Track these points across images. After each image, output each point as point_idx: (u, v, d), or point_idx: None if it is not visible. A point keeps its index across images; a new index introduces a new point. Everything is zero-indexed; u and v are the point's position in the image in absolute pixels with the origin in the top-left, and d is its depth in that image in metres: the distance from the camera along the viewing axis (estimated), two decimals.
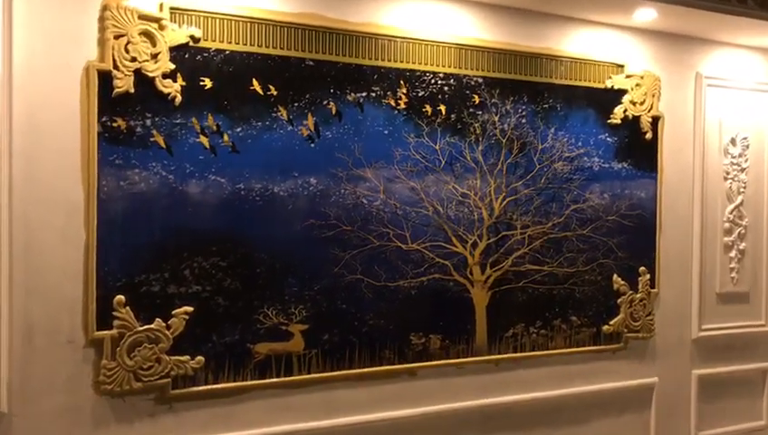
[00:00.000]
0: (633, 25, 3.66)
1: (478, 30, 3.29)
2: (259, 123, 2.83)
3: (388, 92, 3.09)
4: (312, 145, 2.94)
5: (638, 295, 3.72)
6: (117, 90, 2.57)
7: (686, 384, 3.93)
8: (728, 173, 4.02)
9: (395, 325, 3.13)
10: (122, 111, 2.59)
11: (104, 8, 2.55)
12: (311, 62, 2.93)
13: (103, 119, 2.56)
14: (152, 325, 2.65)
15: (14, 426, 2.46)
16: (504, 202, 3.36)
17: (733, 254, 4.04)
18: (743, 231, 4.06)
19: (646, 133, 3.72)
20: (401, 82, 3.11)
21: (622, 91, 3.65)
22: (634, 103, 3.67)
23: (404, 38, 3.11)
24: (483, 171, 3.31)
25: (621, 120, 3.65)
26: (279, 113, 2.86)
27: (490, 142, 3.32)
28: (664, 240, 3.81)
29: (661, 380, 3.82)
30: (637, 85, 3.68)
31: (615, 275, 3.66)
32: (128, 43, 2.59)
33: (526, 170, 3.41)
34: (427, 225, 3.19)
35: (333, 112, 2.98)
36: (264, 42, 2.84)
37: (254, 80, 2.82)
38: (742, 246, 4.06)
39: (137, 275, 2.63)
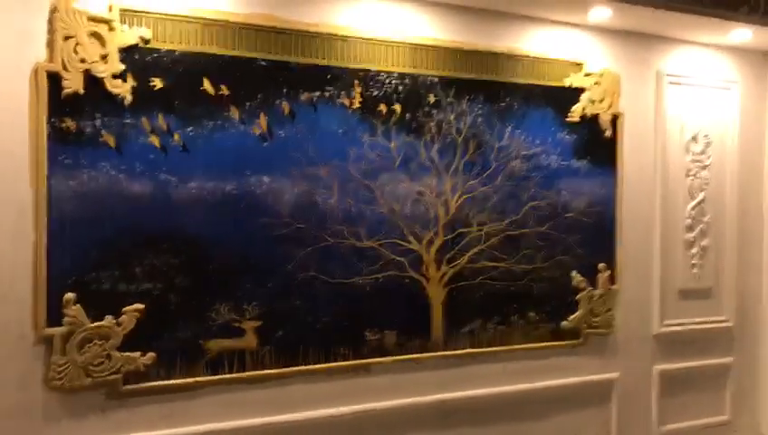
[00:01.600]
0: (592, 24, 3.69)
1: (433, 30, 3.32)
2: (210, 123, 2.87)
3: (342, 92, 3.13)
4: (265, 144, 2.98)
5: (598, 292, 3.76)
6: (66, 90, 2.61)
7: (648, 379, 3.97)
8: (689, 170, 4.06)
9: (349, 322, 3.17)
10: (72, 111, 2.63)
11: (53, 10, 2.60)
12: (263, 63, 2.97)
13: (52, 119, 2.60)
14: (103, 322, 2.69)
15: None
16: (461, 200, 3.40)
17: (694, 250, 4.08)
18: (704, 228, 4.10)
19: (605, 131, 3.75)
20: (355, 81, 3.15)
21: (581, 90, 3.68)
22: (593, 101, 3.71)
23: (357, 38, 3.15)
24: (438, 170, 3.34)
25: (580, 117, 3.68)
26: (230, 113, 2.90)
27: (446, 141, 3.35)
28: (624, 237, 3.84)
29: (622, 375, 3.86)
30: (596, 83, 3.71)
31: (574, 272, 3.70)
32: (77, 44, 2.63)
33: (483, 169, 3.45)
34: (382, 222, 3.23)
35: (286, 112, 3.02)
36: (216, 42, 2.88)
37: (204, 80, 2.85)
38: (704, 242, 4.10)
39: (87, 273, 2.67)
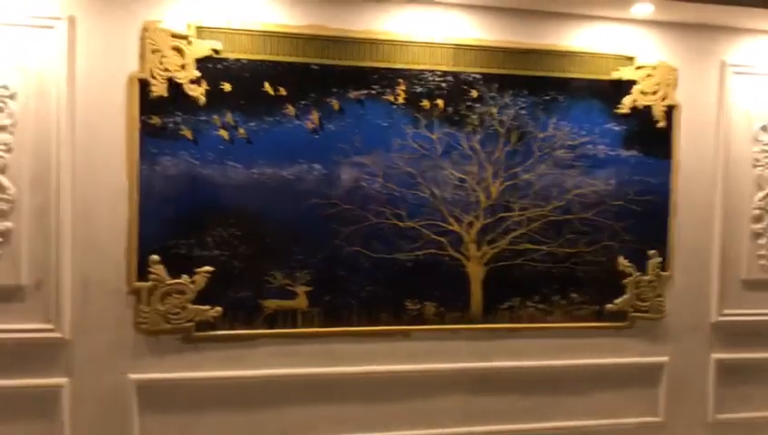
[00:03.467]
0: (647, 19, 3.81)
1: (477, 31, 3.63)
2: (270, 119, 3.42)
3: (387, 90, 3.54)
4: (317, 136, 3.48)
5: (647, 277, 3.88)
6: (153, 94, 3.26)
7: (704, 367, 4.01)
8: (758, 160, 4.01)
9: (391, 292, 3.59)
10: (158, 110, 3.29)
11: (144, 29, 3.26)
12: (315, 66, 3.46)
13: (143, 117, 3.27)
14: (180, 280, 3.33)
15: (76, 351, 3.27)
16: (502, 186, 3.69)
17: (763, 241, 4.04)
18: None
19: (658, 122, 3.85)
20: (399, 80, 3.55)
21: (631, 82, 3.81)
22: (645, 93, 3.82)
23: (402, 42, 3.54)
24: (480, 159, 3.66)
25: (630, 109, 3.81)
26: (287, 110, 3.43)
27: (488, 132, 3.66)
28: (678, 225, 3.92)
29: (673, 360, 3.95)
30: (648, 76, 3.83)
31: (621, 257, 3.85)
32: (162, 56, 3.27)
33: (525, 157, 3.71)
34: (424, 205, 3.61)
35: (336, 108, 3.49)
36: (275, 50, 3.41)
37: (265, 83, 3.40)
38: None
39: (168, 240, 3.33)
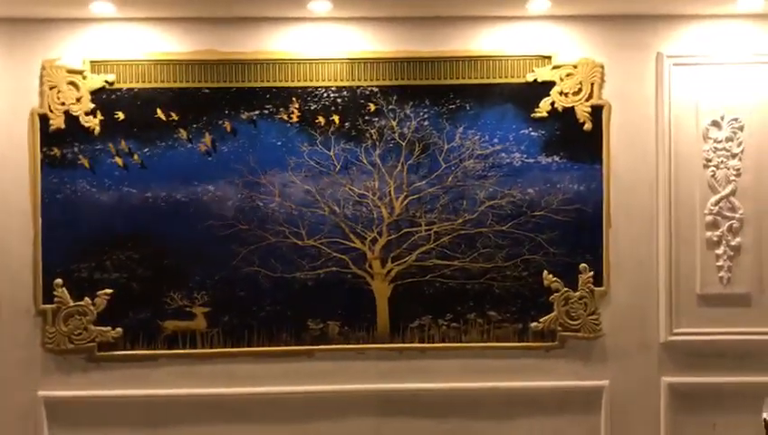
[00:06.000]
0: (566, 14, 3.54)
1: (372, 44, 3.55)
2: (163, 144, 3.53)
3: (281, 108, 3.54)
4: (210, 158, 3.54)
5: (577, 293, 3.57)
6: (52, 127, 3.47)
7: (653, 392, 3.60)
8: (710, 160, 3.59)
9: (292, 312, 3.56)
10: (57, 142, 3.49)
11: (43, 67, 3.48)
12: (206, 90, 3.53)
13: (44, 149, 3.49)
14: (81, 302, 3.50)
15: None
16: (406, 201, 3.56)
17: (720, 250, 3.59)
18: (735, 224, 3.58)
19: (584, 124, 3.56)
20: (293, 98, 3.54)
21: (549, 84, 3.56)
22: (565, 94, 3.55)
23: (294, 60, 3.53)
24: (381, 173, 3.55)
25: (548, 112, 3.55)
26: (180, 134, 3.52)
27: (388, 146, 3.55)
28: (614, 236, 3.58)
29: (614, 383, 3.58)
30: (568, 75, 3.55)
31: (545, 272, 3.58)
32: (59, 91, 3.48)
33: (430, 170, 3.56)
34: (324, 223, 3.55)
35: (229, 130, 3.54)
36: (166, 78, 3.52)
37: (158, 109, 3.51)
38: (735, 241, 3.58)
39: (71, 264, 3.51)
